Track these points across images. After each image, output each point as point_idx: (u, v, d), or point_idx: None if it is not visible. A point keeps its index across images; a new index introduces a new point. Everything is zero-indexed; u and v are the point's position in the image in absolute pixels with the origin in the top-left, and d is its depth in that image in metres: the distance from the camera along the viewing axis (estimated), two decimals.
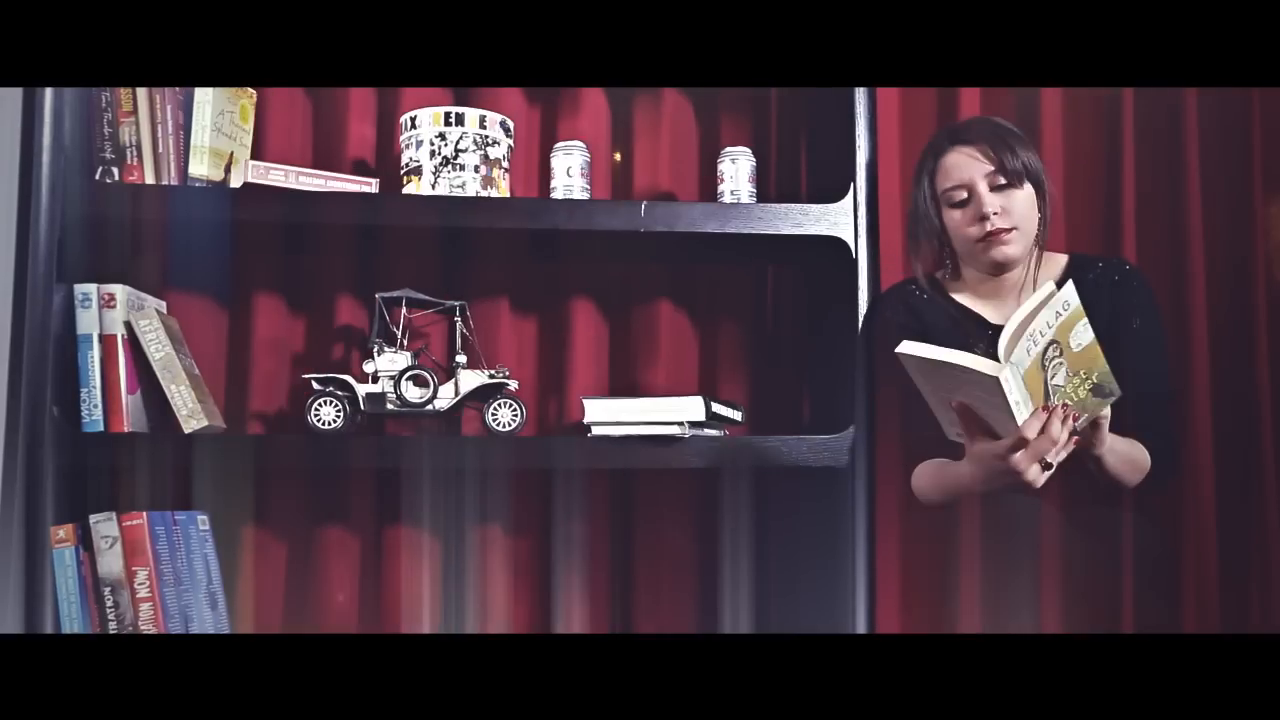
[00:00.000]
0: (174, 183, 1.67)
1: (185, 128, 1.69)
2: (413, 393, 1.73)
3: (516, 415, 1.73)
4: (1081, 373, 1.40)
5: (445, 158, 1.73)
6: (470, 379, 1.75)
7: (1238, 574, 1.88)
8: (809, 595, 1.82)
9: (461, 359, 1.78)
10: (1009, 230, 1.56)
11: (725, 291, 2.00)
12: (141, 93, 1.67)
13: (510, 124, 1.80)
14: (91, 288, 1.63)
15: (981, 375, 1.35)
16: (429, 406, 1.73)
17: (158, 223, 1.67)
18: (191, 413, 1.64)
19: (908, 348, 1.41)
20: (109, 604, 1.58)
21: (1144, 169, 1.96)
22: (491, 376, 1.75)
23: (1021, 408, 1.36)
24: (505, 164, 1.78)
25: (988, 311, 1.63)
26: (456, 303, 1.81)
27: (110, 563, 1.59)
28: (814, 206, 1.74)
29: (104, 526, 1.59)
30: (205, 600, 1.65)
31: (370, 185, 1.77)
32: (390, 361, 1.74)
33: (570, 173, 1.80)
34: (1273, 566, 1.86)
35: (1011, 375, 1.35)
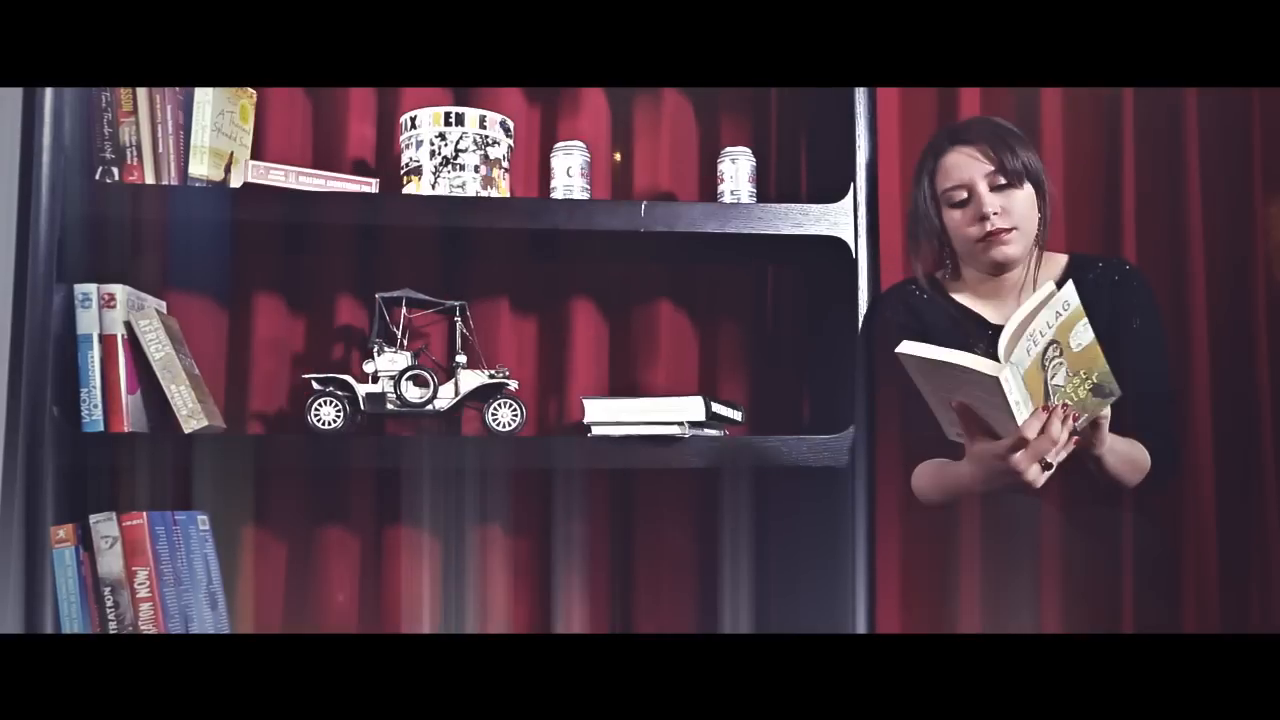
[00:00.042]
0: (174, 183, 1.67)
1: (185, 128, 1.69)
2: (413, 393, 1.73)
3: (516, 415, 1.73)
4: (1081, 373, 1.40)
5: (445, 158, 1.73)
6: (470, 379, 1.75)
7: (1238, 574, 1.88)
8: (809, 595, 1.82)
9: (461, 359, 1.78)
10: (1009, 230, 1.56)
11: (725, 291, 2.00)
12: (141, 93, 1.67)
13: (510, 124, 1.80)
14: (91, 288, 1.63)
15: (981, 375, 1.35)
16: (429, 406, 1.73)
17: (158, 223, 1.67)
18: (191, 413, 1.64)
19: (908, 348, 1.41)
20: (109, 604, 1.58)
21: (1144, 169, 1.96)
22: (491, 376, 1.75)
23: (1021, 408, 1.36)
24: (505, 164, 1.79)
25: (988, 311, 1.63)
26: (456, 303, 1.81)
27: (110, 563, 1.59)
28: (814, 206, 1.74)
29: (104, 526, 1.59)
30: (205, 600, 1.65)
31: (370, 185, 1.77)
32: (390, 361, 1.74)
33: (570, 173, 1.80)
34: (1273, 566, 1.86)
35: (1011, 375, 1.35)
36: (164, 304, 1.80)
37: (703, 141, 2.02)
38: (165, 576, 1.61)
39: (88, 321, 1.63)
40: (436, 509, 1.88)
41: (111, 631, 1.58)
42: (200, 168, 1.68)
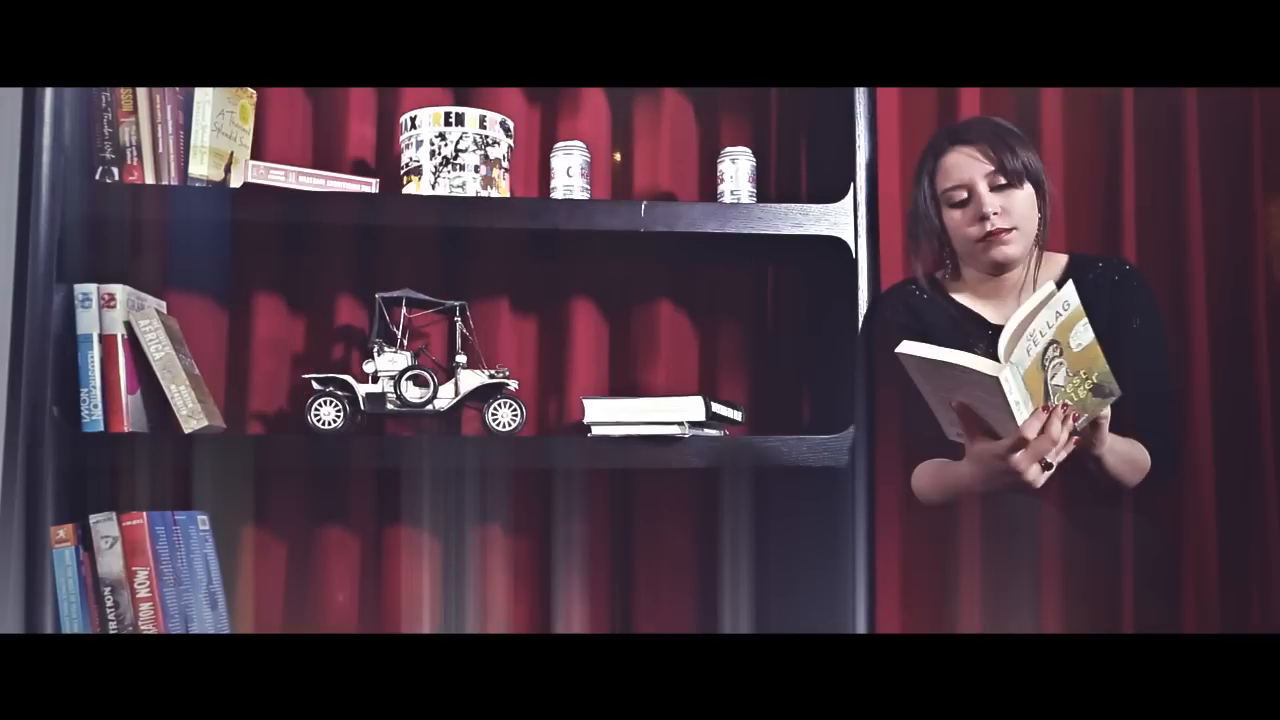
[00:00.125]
0: (174, 183, 1.67)
1: (185, 128, 1.69)
2: (413, 393, 1.73)
3: (516, 415, 1.73)
4: (1081, 373, 1.40)
5: (445, 158, 1.73)
6: (470, 379, 1.75)
7: (1238, 574, 1.88)
8: (809, 595, 1.82)
9: (461, 359, 1.78)
10: (1009, 230, 1.56)
11: (725, 291, 2.00)
12: (141, 93, 1.67)
13: (510, 124, 1.80)
14: (91, 288, 1.63)
15: (981, 375, 1.35)
16: (429, 406, 1.73)
17: (158, 223, 1.66)
18: (191, 413, 1.64)
19: (908, 348, 1.41)
20: (109, 604, 1.58)
21: (1144, 169, 1.96)
22: (491, 376, 1.75)
23: (1021, 408, 1.36)
24: (505, 164, 1.79)
25: (988, 311, 1.63)
26: (456, 303, 1.81)
27: (110, 563, 1.59)
28: (814, 206, 1.74)
29: (104, 526, 1.59)
30: (205, 600, 1.65)
31: (370, 185, 1.77)
32: (390, 361, 1.74)
33: (570, 173, 1.80)
34: (1273, 566, 1.86)
35: (1011, 375, 1.35)
36: (164, 304, 1.80)
37: (703, 141, 2.02)
38: (165, 576, 1.61)
39: (88, 321, 1.63)
40: (436, 509, 1.88)
41: (111, 631, 1.58)
42: (200, 168, 1.68)
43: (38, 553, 1.56)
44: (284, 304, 1.89)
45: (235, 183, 1.73)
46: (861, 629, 1.66)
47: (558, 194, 1.80)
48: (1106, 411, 1.44)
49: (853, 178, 1.74)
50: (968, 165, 1.57)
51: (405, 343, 1.79)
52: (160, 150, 1.68)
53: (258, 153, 1.83)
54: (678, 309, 1.98)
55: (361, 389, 1.72)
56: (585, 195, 1.80)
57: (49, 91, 1.59)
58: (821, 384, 1.90)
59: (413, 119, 1.76)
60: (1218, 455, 1.86)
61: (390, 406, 1.72)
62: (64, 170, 1.60)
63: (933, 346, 1.40)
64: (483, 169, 1.75)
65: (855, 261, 1.72)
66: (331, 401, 1.69)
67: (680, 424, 1.67)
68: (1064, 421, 1.38)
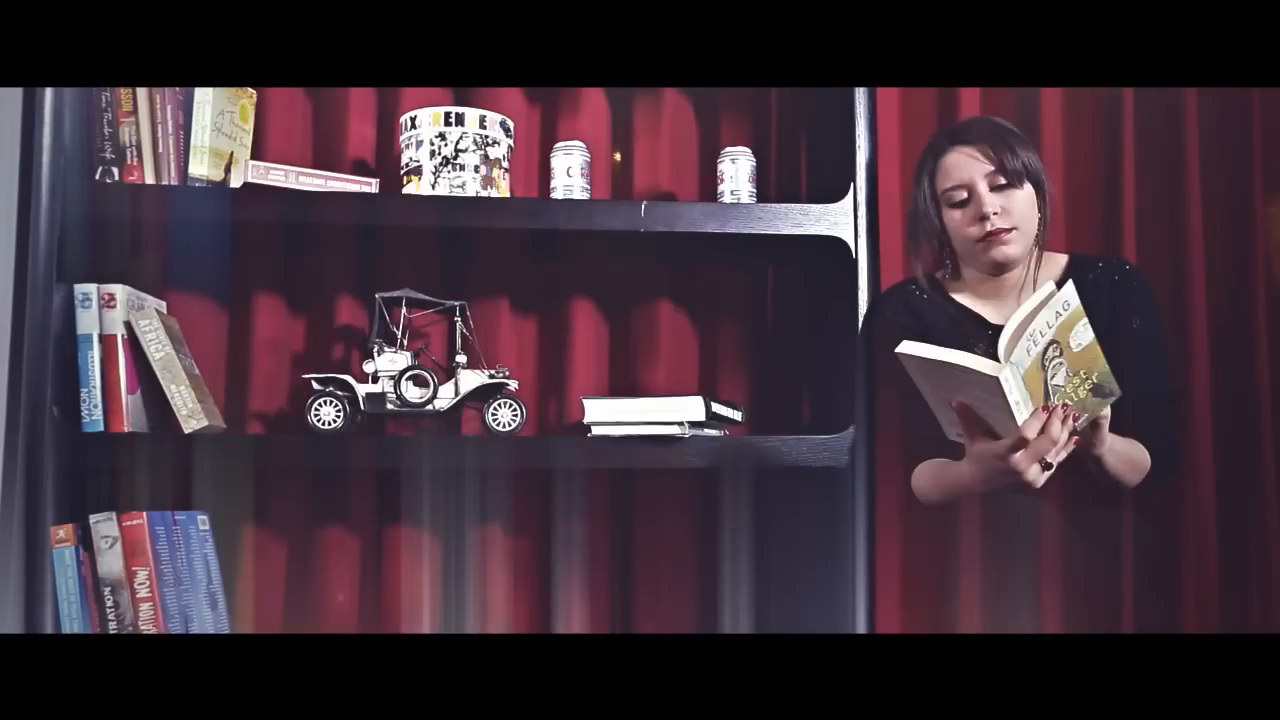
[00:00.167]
0: (174, 183, 1.67)
1: (185, 128, 1.69)
2: (413, 393, 1.73)
3: (516, 415, 1.73)
4: (1081, 373, 1.40)
5: (445, 158, 1.73)
6: (470, 379, 1.75)
7: (1238, 574, 1.88)
8: (809, 595, 1.82)
9: (461, 359, 1.78)
10: (1009, 230, 1.56)
11: (725, 291, 2.00)
12: (141, 93, 1.67)
13: (510, 124, 1.80)
14: (91, 288, 1.63)
15: (981, 375, 1.35)
16: (429, 406, 1.73)
17: (158, 223, 1.66)
18: (191, 413, 1.64)
19: (908, 348, 1.41)
20: (109, 604, 1.58)
21: (1144, 169, 1.96)
22: (491, 376, 1.75)
23: (1021, 408, 1.36)
24: (505, 164, 1.79)
25: (988, 311, 1.63)
26: (456, 303, 1.81)
27: (110, 563, 1.59)
28: (814, 206, 1.74)
29: (104, 526, 1.59)
30: (205, 600, 1.65)
31: (370, 185, 1.77)
32: (390, 361, 1.74)
33: (570, 173, 1.80)
34: (1273, 566, 1.86)
35: (1011, 375, 1.35)
36: (164, 304, 1.80)
37: (703, 141, 2.02)
38: (165, 576, 1.61)
39: (88, 321, 1.63)
40: (437, 509, 1.88)
41: (111, 631, 1.58)
42: (200, 168, 1.68)
43: (38, 553, 1.56)
44: (284, 304, 1.89)
45: (235, 183, 1.73)
46: (861, 629, 1.66)
47: (558, 194, 1.80)
48: (1106, 411, 1.44)
49: (853, 178, 1.74)
50: (968, 165, 1.57)
51: (405, 343, 1.79)
52: (160, 150, 1.68)
53: (258, 153, 1.83)
54: (678, 309, 1.98)
55: (361, 389, 1.72)
56: (585, 195, 1.80)
57: (49, 91, 1.59)
58: (821, 384, 1.90)
59: (413, 119, 1.76)
60: (1218, 455, 1.86)
61: (390, 406, 1.72)
62: (64, 170, 1.60)
63: (933, 346, 1.40)
64: (483, 169, 1.75)
65: (855, 261, 1.72)
66: (332, 401, 1.69)
67: (680, 424, 1.67)
68: (1064, 421, 1.38)
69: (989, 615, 1.60)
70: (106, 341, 1.63)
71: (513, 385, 1.75)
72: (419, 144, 1.75)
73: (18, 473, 1.56)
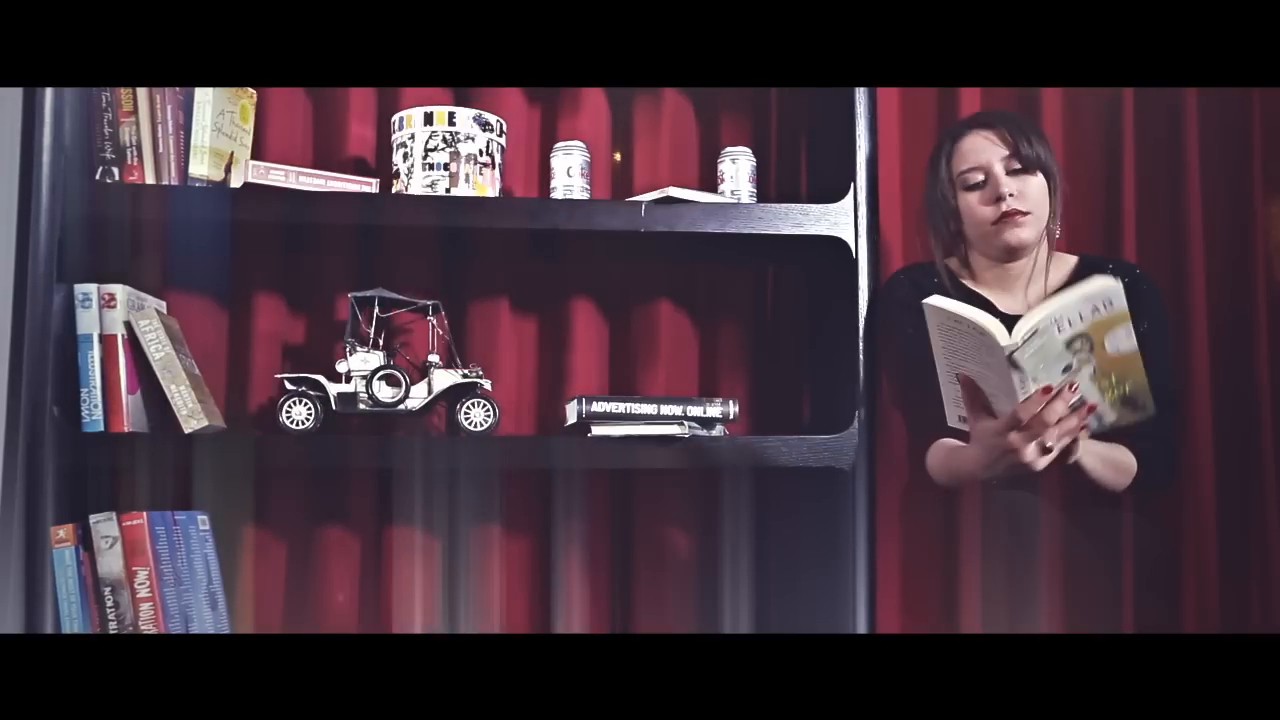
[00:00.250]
0: (174, 183, 1.67)
1: (185, 128, 1.69)
2: (385, 392, 1.72)
3: (489, 415, 1.72)
4: (1113, 377, 1.39)
5: (417, 157, 1.73)
6: (444, 378, 1.74)
7: (1238, 574, 1.88)
8: (809, 595, 1.82)
9: (434, 359, 1.77)
10: (1024, 213, 1.57)
11: (725, 291, 2.00)
12: (141, 93, 1.67)
13: (491, 119, 1.78)
14: (91, 288, 1.63)
15: (994, 344, 1.34)
16: (401, 406, 1.72)
17: (158, 223, 1.66)
18: (191, 413, 1.64)
19: (936, 300, 1.41)
20: (109, 604, 1.58)
21: (1144, 169, 1.96)
22: (465, 376, 1.74)
23: (1024, 387, 1.36)
24: (486, 159, 1.77)
25: (997, 299, 1.63)
26: (430, 302, 1.80)
27: (110, 563, 1.59)
28: (814, 206, 1.73)
29: (104, 526, 1.59)
30: (205, 600, 1.65)
31: (370, 185, 1.77)
32: (363, 361, 1.73)
33: (570, 173, 1.80)
34: (1273, 566, 1.86)
35: (1024, 352, 1.34)
36: (164, 304, 1.79)
37: (703, 141, 2.02)
38: (165, 576, 1.61)
39: (88, 321, 1.63)
40: (436, 509, 1.87)
41: (111, 631, 1.58)
42: (200, 168, 1.68)
43: (38, 553, 1.56)
44: (284, 304, 1.89)
45: (235, 183, 1.73)
46: (861, 629, 1.66)
47: (558, 194, 1.80)
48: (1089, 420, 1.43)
49: (853, 177, 1.74)
50: (985, 148, 1.59)
51: (381, 342, 1.78)
52: (160, 150, 1.68)
53: (258, 153, 1.83)
54: (678, 309, 1.98)
55: (334, 388, 1.71)
56: (585, 195, 1.80)
57: (49, 91, 1.59)
58: (822, 384, 1.90)
59: (399, 120, 1.76)
60: (1218, 455, 1.86)
61: (362, 406, 1.71)
62: (64, 170, 1.59)
63: (960, 303, 1.40)
64: (452, 165, 1.74)
65: (855, 261, 1.72)
66: (304, 401, 1.68)
67: (680, 424, 1.67)
68: (1068, 406, 1.37)
69: (989, 615, 1.60)
70: (107, 341, 1.63)
71: (486, 385, 1.74)
72: (398, 146, 1.75)
73: (18, 473, 1.56)
